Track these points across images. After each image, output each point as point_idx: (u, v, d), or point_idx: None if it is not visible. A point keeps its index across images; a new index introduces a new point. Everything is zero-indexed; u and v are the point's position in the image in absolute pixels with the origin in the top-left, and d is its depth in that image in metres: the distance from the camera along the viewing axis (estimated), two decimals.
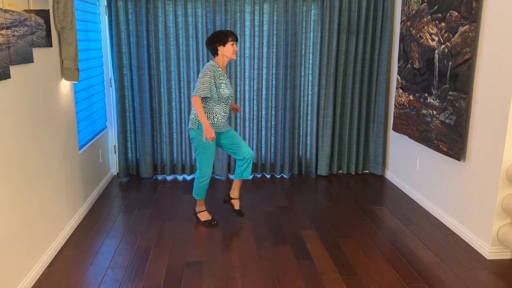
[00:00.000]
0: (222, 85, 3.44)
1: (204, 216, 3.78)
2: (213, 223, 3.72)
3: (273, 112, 4.94)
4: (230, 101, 3.57)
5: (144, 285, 2.82)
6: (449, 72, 3.59)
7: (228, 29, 4.66)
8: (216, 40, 3.44)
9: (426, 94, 3.97)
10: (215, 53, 3.50)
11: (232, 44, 3.42)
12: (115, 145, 4.96)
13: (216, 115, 3.49)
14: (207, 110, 3.47)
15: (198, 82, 3.39)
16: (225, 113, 3.53)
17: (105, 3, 4.59)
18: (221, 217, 3.88)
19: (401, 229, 3.68)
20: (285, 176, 5.07)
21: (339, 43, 4.80)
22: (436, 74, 3.78)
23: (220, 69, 3.46)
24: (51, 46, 3.18)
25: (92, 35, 4.36)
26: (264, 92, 4.91)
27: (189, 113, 4.84)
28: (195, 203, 4.16)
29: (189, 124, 3.55)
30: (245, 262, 3.12)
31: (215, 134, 3.55)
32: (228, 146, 3.64)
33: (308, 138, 5.07)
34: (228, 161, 4.98)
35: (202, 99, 3.44)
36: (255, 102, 4.89)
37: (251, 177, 3.79)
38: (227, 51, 3.43)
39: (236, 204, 3.79)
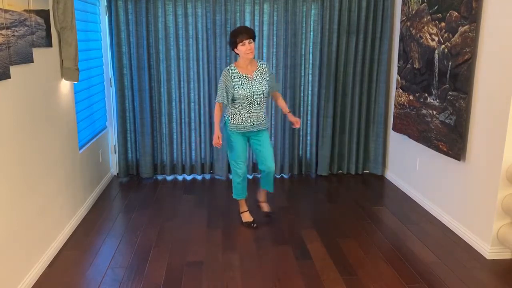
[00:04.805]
0: (237, 86, 3.44)
1: (245, 217, 3.77)
2: (253, 225, 3.69)
3: (273, 112, 4.94)
4: (251, 100, 3.48)
5: (144, 285, 2.82)
6: (449, 72, 3.59)
7: (228, 28, 4.66)
8: (230, 44, 3.44)
9: (426, 94, 3.97)
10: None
11: (243, 44, 3.36)
12: (115, 145, 4.96)
13: (240, 116, 3.50)
14: (234, 111, 3.51)
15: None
16: (248, 113, 3.50)
17: (105, 3, 4.59)
18: (221, 218, 3.89)
19: (401, 229, 3.68)
20: (285, 176, 5.07)
21: (339, 43, 4.80)
22: (436, 74, 3.78)
23: (237, 70, 3.46)
24: (51, 46, 3.18)
25: (92, 35, 4.36)
26: None
27: (189, 114, 4.84)
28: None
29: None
30: (245, 262, 3.12)
31: (242, 134, 3.57)
32: (254, 150, 3.67)
33: (308, 138, 5.07)
34: (228, 161, 4.98)
35: (232, 102, 3.51)
36: None
37: (272, 190, 3.84)
38: (240, 52, 3.41)
39: (265, 207, 3.89)
